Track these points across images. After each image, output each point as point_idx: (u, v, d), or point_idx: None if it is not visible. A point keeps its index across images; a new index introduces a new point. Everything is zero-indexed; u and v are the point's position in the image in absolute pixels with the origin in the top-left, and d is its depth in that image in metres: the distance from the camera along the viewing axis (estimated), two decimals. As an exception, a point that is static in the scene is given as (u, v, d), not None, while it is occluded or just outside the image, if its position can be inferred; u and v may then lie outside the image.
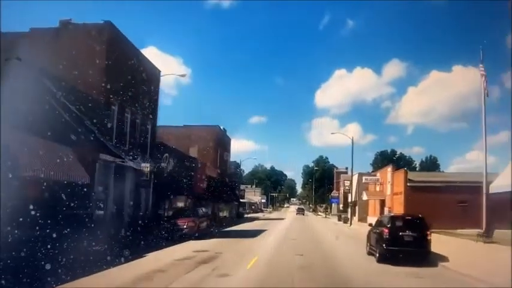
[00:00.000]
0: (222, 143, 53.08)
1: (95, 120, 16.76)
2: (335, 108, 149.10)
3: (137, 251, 14.27)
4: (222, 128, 54.24)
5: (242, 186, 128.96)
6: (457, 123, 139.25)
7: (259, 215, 79.14)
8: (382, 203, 38.17)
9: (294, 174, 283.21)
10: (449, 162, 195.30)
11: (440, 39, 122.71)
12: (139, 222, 21.00)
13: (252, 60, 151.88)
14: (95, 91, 18.61)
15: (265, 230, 28.91)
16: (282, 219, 54.78)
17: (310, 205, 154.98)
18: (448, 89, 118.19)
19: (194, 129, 50.76)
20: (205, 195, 39.75)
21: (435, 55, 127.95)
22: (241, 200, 71.17)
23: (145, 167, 20.98)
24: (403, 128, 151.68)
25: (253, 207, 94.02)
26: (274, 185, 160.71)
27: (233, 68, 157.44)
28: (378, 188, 40.35)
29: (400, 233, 13.58)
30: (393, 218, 14.86)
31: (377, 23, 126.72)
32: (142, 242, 16.54)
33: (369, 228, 16.90)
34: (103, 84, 18.92)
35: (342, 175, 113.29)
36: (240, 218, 52.56)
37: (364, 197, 40.10)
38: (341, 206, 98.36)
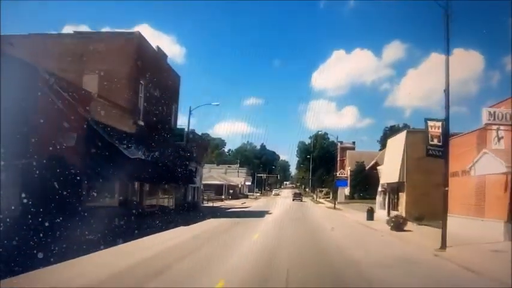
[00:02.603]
0: (155, 73, 28.21)
1: None
2: (332, 90, 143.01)
3: None
4: (155, 46, 29.36)
5: (222, 166, 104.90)
6: (457, 107, 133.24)
7: (237, 202, 55.13)
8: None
9: (289, 157, 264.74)
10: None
11: (441, 20, 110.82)
12: None
13: (249, 39, 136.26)
14: None
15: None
16: (265, 214, 30.54)
17: (306, 189, 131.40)
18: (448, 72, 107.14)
19: (94, 41, 25.82)
20: (89, 165, 16.10)
21: (436, 37, 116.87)
22: (204, 182, 47.12)
23: None
24: (401, 111, 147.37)
25: (231, 191, 70.01)
26: (265, 166, 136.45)
27: (229, 49, 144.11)
28: (501, 144, 15.88)
29: None
30: None
31: (378, 2, 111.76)
32: None
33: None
34: None
35: (347, 151, 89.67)
36: (190, 212, 28.33)
37: (502, 168, 15.24)
38: (347, 190, 74.81)
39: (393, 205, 29.77)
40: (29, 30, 32.90)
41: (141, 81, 26.36)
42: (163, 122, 29.71)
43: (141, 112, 26.30)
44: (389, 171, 29.58)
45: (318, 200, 74.44)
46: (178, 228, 18.08)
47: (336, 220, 28.09)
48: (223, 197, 64.46)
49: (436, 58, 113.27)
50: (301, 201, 67.39)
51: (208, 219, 24.34)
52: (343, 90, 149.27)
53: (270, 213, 31.12)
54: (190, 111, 30.69)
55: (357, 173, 77.78)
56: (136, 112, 25.48)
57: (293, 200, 68.02)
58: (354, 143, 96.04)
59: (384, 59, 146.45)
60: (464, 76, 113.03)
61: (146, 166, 23.30)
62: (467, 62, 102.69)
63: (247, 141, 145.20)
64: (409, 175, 26.25)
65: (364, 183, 77.71)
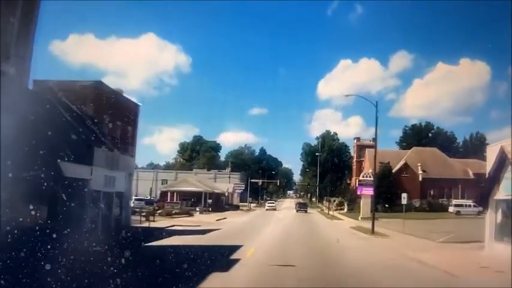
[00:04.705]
0: None
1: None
2: (338, 100, 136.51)
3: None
4: None
5: (214, 171, 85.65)
6: (462, 118, 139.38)
7: (211, 219, 35.66)
8: None
9: (292, 166, 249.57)
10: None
11: (449, 30, 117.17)
12: None
13: (255, 48, 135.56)
14: None
15: None
16: (207, 276, 11.11)
17: (313, 199, 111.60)
18: (454, 82, 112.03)
19: None
20: None
21: (443, 47, 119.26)
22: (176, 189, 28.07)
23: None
24: (406, 121, 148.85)
25: (209, 201, 50.57)
26: (264, 172, 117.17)
27: (235, 58, 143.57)
28: None
29: None
30: None
31: (386, 12, 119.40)
32: None
33: None
34: None
35: (367, 150, 70.25)
36: None
37: None
38: (370, 201, 54.69)
39: None
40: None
41: None
42: None
43: None
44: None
45: (330, 213, 54.72)
46: None
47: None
48: (197, 209, 45.18)
49: (442, 68, 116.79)
50: (306, 212, 57.59)
51: None
52: (348, 99, 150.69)
53: (230, 271, 12.00)
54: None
55: (382, 178, 58.14)
56: None
57: (297, 211, 57.99)
58: (373, 139, 76.50)
59: (390, 69, 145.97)
60: (470, 86, 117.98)
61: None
62: (473, 72, 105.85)
63: (245, 145, 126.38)
64: None
65: (391, 191, 58.38)
